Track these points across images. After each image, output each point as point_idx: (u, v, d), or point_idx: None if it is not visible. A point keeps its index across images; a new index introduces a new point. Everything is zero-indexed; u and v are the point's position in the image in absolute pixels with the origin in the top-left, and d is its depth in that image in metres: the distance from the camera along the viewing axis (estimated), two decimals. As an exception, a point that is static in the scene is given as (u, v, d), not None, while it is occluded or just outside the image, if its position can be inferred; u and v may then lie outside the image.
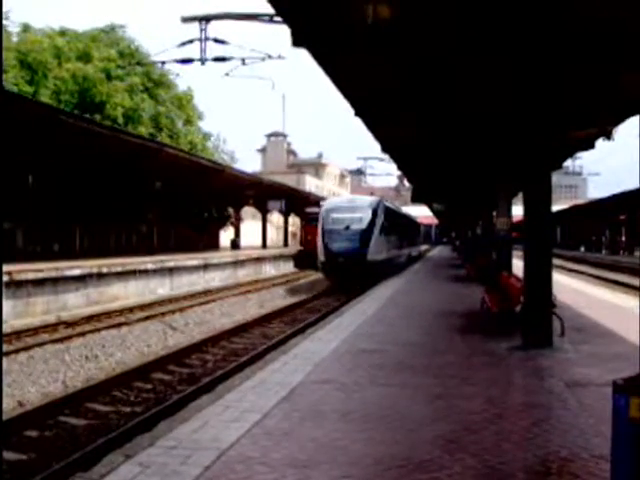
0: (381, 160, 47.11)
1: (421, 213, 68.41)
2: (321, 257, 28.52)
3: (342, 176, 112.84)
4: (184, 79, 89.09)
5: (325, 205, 31.16)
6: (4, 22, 38.67)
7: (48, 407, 8.97)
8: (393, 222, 33.41)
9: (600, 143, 15.37)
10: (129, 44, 45.65)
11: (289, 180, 53.16)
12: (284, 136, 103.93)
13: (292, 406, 6.57)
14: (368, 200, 31.12)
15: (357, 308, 15.74)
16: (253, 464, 4.94)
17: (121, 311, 19.10)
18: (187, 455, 5.11)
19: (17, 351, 12.85)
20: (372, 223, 28.11)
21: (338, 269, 27.45)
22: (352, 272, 26.50)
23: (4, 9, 39.90)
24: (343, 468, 4.86)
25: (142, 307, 20.34)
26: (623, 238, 59.99)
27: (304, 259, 41.02)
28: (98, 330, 15.65)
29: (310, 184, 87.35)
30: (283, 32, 9.37)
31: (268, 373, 8.19)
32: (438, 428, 5.85)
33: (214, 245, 45.48)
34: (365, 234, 27.62)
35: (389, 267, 29.71)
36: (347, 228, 27.89)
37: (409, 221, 49.15)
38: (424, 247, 78.85)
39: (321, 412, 6.38)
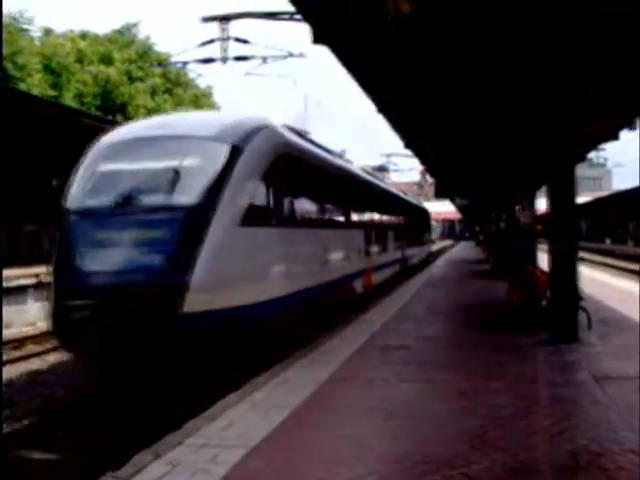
0: (406, 157, 46.66)
1: (445, 208, 68.16)
2: (51, 300, 9.33)
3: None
4: (205, 79, 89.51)
5: (97, 143, 10.09)
6: (28, 27, 39.24)
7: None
8: (329, 189, 15.01)
9: (624, 134, 15.16)
10: (144, 43, 46.00)
11: (311, 177, 52.73)
12: (306, 133, 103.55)
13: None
14: (215, 123, 10.41)
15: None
16: (281, 461, 4.97)
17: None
18: (216, 453, 5.14)
19: (47, 352, 13.06)
20: (217, 188, 8.69)
21: (90, 331, 8.22)
22: (134, 346, 7.93)
23: (29, 14, 40.51)
24: (370, 465, 4.85)
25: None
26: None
27: None
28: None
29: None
30: (304, 30, 9.38)
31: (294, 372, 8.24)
32: (465, 424, 5.82)
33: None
34: (188, 222, 8.43)
35: (305, 320, 10.99)
36: (128, 203, 8.75)
37: (397, 199, 28.84)
38: (446, 243, 77.92)
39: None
